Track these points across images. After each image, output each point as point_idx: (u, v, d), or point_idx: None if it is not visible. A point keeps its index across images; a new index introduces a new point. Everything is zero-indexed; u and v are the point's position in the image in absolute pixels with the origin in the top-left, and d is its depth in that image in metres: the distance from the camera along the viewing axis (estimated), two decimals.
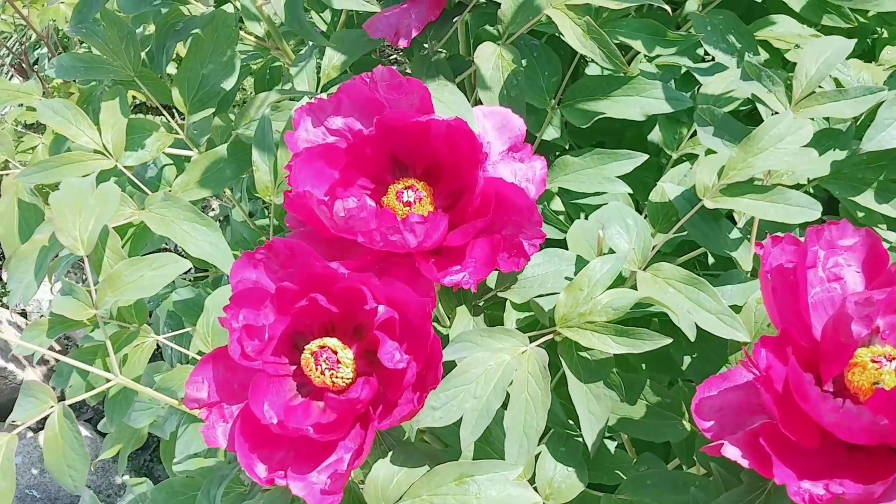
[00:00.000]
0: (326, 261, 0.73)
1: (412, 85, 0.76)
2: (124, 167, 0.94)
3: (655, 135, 1.05)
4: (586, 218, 0.95)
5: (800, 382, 0.53)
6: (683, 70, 0.96)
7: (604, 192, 0.90)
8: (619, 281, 0.75)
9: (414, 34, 0.91)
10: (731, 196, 0.70)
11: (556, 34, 0.99)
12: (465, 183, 0.77)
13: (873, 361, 0.57)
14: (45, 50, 2.71)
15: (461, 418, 0.66)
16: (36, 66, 2.72)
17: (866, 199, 0.77)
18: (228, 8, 1.04)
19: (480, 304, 0.81)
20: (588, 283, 0.71)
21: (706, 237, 0.74)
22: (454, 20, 0.95)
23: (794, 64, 0.98)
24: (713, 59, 0.93)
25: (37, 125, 2.29)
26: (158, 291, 0.79)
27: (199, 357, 0.88)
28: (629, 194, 0.91)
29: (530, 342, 0.70)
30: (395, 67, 1.07)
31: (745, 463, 0.55)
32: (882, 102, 0.75)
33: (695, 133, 0.90)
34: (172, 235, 0.87)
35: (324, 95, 0.88)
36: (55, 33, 2.64)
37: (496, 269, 0.78)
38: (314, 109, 0.78)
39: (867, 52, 1.05)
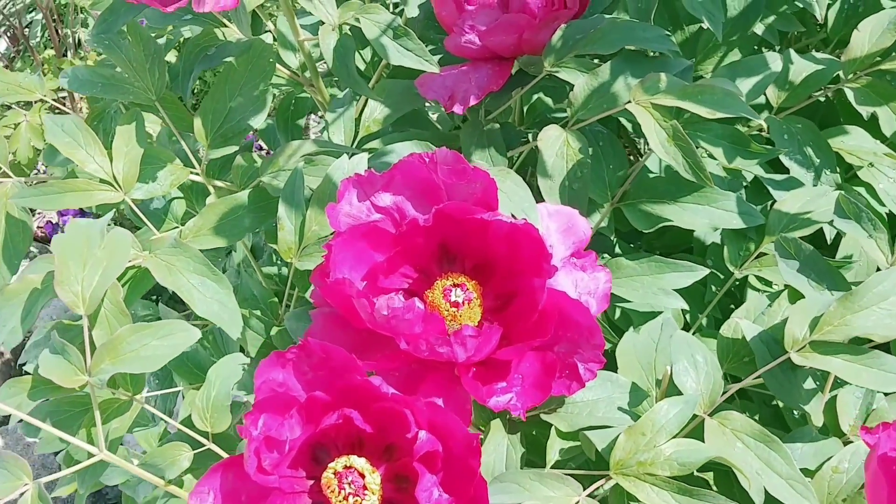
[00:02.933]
0: (352, 352, 0.65)
1: (477, 174, 0.68)
2: (131, 200, 0.85)
3: (702, 232, 0.98)
4: (630, 324, 0.88)
5: None
6: (751, 177, 0.89)
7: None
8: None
9: (472, 102, 0.83)
10: (822, 353, 0.63)
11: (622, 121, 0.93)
12: (519, 286, 0.69)
13: None
14: (39, 15, 2.59)
15: None
16: (27, 30, 2.59)
17: None
18: (266, 38, 0.96)
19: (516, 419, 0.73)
20: (652, 427, 0.63)
21: (783, 389, 0.67)
22: (513, 91, 0.87)
23: (862, 181, 0.92)
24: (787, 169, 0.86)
25: (22, 103, 2.17)
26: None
27: (185, 430, 0.79)
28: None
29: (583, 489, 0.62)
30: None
31: None
32: None
33: (762, 253, 0.83)
34: (178, 288, 0.78)
35: (365, 157, 0.80)
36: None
37: None
38: (362, 182, 0.70)
39: None
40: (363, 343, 0.69)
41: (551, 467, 0.68)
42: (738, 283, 0.89)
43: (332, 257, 0.67)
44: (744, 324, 0.68)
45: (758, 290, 0.89)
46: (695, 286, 0.89)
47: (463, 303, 0.68)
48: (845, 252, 0.86)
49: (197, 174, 0.91)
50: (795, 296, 0.70)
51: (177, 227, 0.94)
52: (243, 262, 1.01)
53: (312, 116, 2.29)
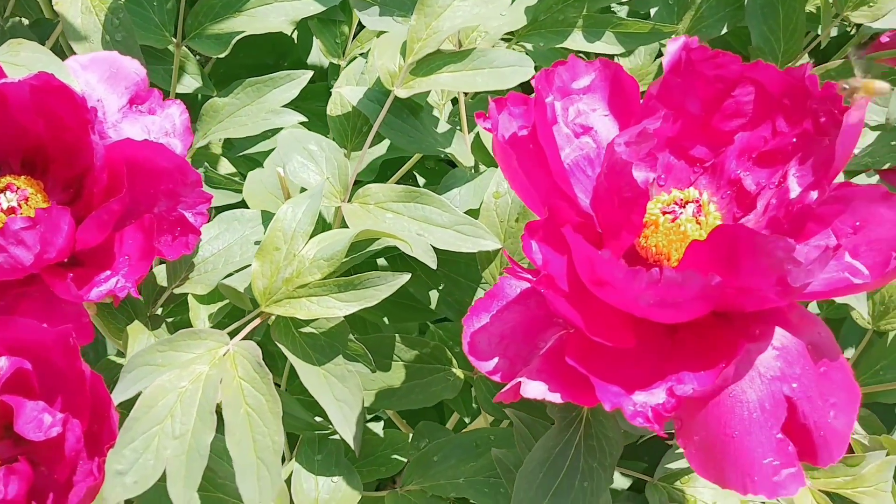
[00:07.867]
0: None
1: None
2: None
3: (317, 55, 0.88)
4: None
5: (595, 265, 0.38)
6: None
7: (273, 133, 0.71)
8: (324, 227, 0.59)
9: None
10: (425, 76, 0.55)
11: None
12: (84, 162, 0.56)
13: (664, 213, 0.44)
14: None
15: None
16: None
17: (575, 41, 0.63)
18: None
19: (158, 312, 0.61)
20: (283, 237, 0.53)
21: (409, 137, 0.58)
22: None
23: None
24: None
25: None
26: None
27: None
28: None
29: (231, 338, 0.51)
30: None
31: (556, 398, 0.40)
32: None
33: (361, 30, 0.74)
34: None
35: None
36: None
37: (165, 261, 0.59)
38: None
39: None
40: None
41: None
42: None
43: None
44: (345, 91, 0.59)
45: None
46: (318, 109, 0.79)
47: (19, 205, 0.55)
48: None
49: None
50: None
51: None
52: None
53: None
